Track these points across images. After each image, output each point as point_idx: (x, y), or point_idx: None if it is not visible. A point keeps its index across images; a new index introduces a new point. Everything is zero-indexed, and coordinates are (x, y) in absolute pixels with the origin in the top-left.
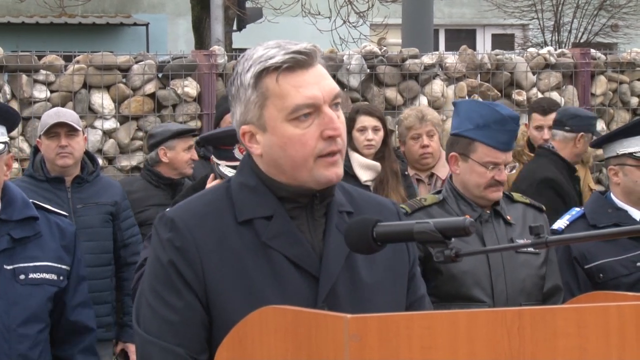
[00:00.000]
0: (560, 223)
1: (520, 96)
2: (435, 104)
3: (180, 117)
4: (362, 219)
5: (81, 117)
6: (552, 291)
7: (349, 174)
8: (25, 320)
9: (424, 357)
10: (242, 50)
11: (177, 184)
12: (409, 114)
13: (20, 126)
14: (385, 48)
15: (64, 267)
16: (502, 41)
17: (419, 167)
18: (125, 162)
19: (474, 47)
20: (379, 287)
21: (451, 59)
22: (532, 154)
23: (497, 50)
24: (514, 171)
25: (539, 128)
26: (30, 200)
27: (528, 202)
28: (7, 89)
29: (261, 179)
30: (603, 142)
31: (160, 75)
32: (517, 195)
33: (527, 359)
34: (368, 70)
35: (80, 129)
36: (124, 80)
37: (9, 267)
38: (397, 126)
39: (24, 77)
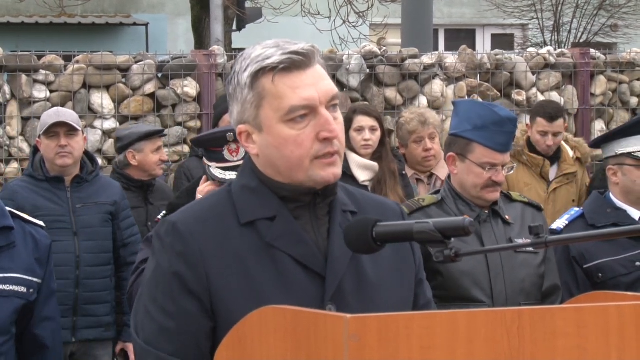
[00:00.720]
0: (559, 223)
1: (519, 96)
2: (434, 104)
3: (180, 117)
4: (362, 219)
5: (81, 117)
6: (551, 290)
7: (347, 174)
8: None
9: (424, 357)
10: (242, 50)
11: (148, 185)
12: (411, 119)
13: (20, 126)
14: (384, 48)
15: (35, 280)
16: (502, 41)
17: (421, 169)
18: None
19: (473, 47)
20: (386, 286)
21: (451, 59)
22: (532, 154)
23: (496, 50)
24: (512, 172)
25: (544, 134)
26: (7, 209)
27: (527, 201)
28: (6, 89)
29: (262, 180)
30: (602, 141)
31: (159, 75)
32: (515, 195)
33: (527, 359)
34: (368, 70)
35: (79, 128)
36: (123, 80)
37: None
38: (397, 129)
39: (24, 77)
